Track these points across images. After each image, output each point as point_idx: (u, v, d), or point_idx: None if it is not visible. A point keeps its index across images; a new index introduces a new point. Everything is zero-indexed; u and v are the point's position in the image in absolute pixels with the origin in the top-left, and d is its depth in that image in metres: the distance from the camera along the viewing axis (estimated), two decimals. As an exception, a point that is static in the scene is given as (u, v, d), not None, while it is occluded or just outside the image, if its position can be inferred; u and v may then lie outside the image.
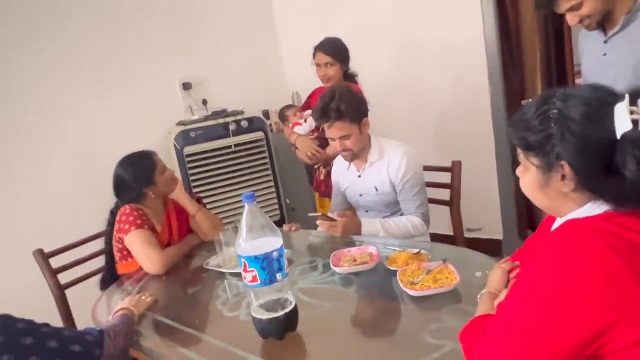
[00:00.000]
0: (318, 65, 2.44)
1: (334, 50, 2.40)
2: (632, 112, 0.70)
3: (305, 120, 2.60)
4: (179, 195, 1.91)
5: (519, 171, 0.87)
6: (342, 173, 2.02)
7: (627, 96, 0.71)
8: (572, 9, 1.51)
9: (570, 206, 0.81)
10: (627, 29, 1.53)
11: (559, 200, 0.82)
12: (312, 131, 2.57)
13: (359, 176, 1.93)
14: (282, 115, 2.79)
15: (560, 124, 0.76)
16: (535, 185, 0.83)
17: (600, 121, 0.73)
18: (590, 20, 1.53)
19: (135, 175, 1.81)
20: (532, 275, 0.76)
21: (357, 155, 1.86)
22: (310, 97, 2.72)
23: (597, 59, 1.64)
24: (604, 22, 1.55)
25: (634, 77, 1.54)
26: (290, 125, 2.67)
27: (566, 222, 0.80)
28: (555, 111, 0.77)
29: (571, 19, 1.54)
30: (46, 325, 1.08)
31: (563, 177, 0.78)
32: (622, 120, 0.70)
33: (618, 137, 0.71)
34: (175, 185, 1.91)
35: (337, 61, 2.39)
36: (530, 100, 0.85)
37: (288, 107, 2.82)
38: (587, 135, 0.74)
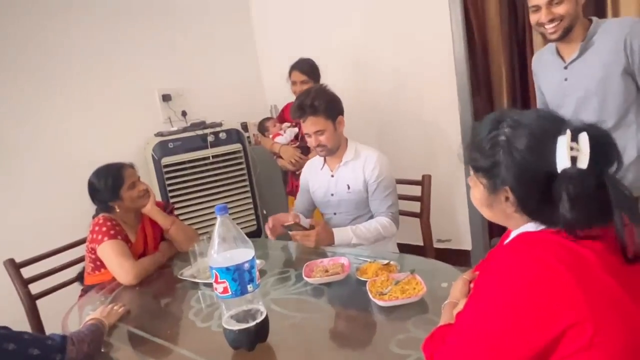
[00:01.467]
0: (294, 82, 2.59)
1: (309, 70, 2.56)
2: (571, 149, 0.73)
3: (285, 131, 2.74)
4: (150, 211, 1.89)
5: (470, 181, 0.92)
6: (315, 174, 2.06)
7: (568, 132, 0.74)
8: (552, 3, 1.56)
9: (514, 223, 0.86)
10: (585, 55, 1.62)
11: (503, 217, 0.88)
12: (292, 140, 2.72)
13: (332, 176, 1.98)
14: (262, 127, 2.91)
15: (506, 152, 0.80)
16: (482, 202, 0.89)
17: (542, 153, 0.76)
18: (559, 26, 1.58)
19: (102, 188, 1.81)
20: (484, 286, 0.80)
21: (332, 151, 1.92)
22: (283, 110, 2.89)
23: (558, 85, 1.71)
24: (565, 35, 1.61)
25: (596, 100, 1.62)
26: (271, 136, 2.80)
27: (518, 235, 0.84)
28: (503, 138, 0.81)
29: (546, 14, 1.58)
30: (5, 328, 1.07)
31: (507, 198, 0.83)
32: (562, 157, 0.74)
33: (558, 171, 0.75)
34: (145, 201, 1.88)
35: (312, 79, 2.54)
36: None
37: (267, 119, 2.96)
38: (528, 166, 0.78)
